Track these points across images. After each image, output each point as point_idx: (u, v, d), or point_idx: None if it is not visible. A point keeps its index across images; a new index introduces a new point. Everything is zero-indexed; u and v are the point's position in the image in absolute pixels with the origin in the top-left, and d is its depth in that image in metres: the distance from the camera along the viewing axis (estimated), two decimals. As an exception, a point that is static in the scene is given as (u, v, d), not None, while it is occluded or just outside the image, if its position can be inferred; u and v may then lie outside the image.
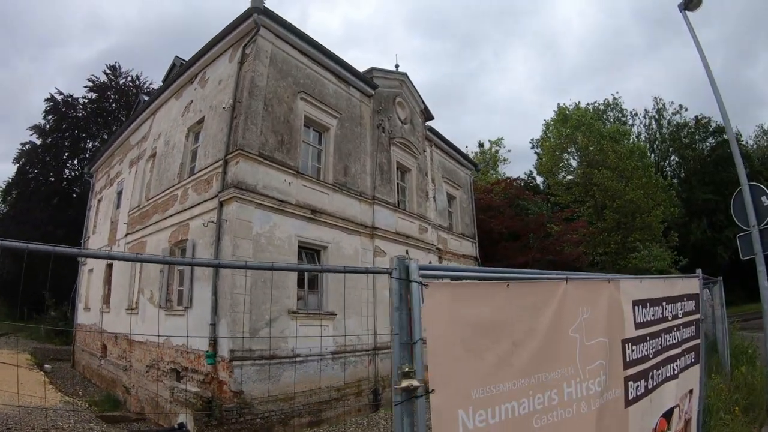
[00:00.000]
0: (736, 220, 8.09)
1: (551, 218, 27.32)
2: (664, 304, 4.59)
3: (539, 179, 40.83)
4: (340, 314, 12.28)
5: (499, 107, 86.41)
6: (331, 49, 14.15)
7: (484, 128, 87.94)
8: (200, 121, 13.54)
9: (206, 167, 12.36)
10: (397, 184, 16.63)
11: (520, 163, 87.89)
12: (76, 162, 28.38)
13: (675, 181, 39.65)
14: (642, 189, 30.19)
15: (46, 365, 19.10)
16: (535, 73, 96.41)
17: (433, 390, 2.22)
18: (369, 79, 15.73)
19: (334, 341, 12.06)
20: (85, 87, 28.87)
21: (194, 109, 14.14)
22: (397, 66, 17.97)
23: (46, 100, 27.31)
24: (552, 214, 28.23)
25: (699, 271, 5.77)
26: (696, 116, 40.56)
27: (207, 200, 11.85)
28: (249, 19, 12.23)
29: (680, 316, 4.95)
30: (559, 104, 37.86)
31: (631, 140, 35.49)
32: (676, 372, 4.69)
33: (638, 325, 3.98)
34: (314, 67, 13.77)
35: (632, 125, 41.65)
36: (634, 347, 3.85)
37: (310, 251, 12.58)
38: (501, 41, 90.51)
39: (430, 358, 2.29)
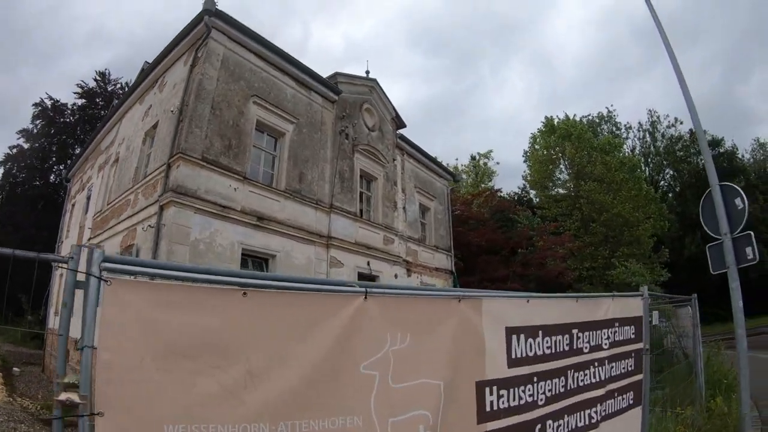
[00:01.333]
0: (705, 227, 6.95)
1: (537, 231, 26.83)
2: (574, 331, 3.73)
3: (533, 193, 40.32)
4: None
5: (497, 123, 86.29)
6: (297, 56, 14.00)
7: (481, 143, 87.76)
8: (155, 126, 13.36)
9: (153, 171, 12.17)
10: (361, 192, 16.28)
11: (516, 178, 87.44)
12: (62, 167, 28.44)
13: (670, 195, 38.92)
14: (631, 202, 29.58)
15: (14, 368, 18.94)
16: (532, 90, 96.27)
17: (100, 412, 1.78)
18: (332, 84, 15.50)
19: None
20: (75, 93, 29.00)
21: (152, 114, 13.99)
22: (367, 72, 17.71)
23: (35, 104, 27.45)
24: (538, 228, 27.74)
25: (645, 289, 5.15)
26: (690, 129, 39.74)
27: (150, 205, 11.57)
28: (201, 22, 12.09)
29: (606, 346, 4.08)
30: (546, 116, 37.32)
31: (624, 153, 34.92)
32: (595, 420, 3.81)
33: (515, 362, 3.18)
34: (271, 70, 13.54)
35: (626, 138, 41.15)
36: (504, 392, 3.03)
37: (257, 260, 12.28)
38: (498, 57, 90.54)
39: (102, 372, 1.82)
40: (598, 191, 29.57)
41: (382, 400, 2.36)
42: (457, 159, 60.89)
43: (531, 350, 3.29)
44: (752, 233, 6.23)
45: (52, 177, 28.21)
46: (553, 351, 3.50)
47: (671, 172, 40.65)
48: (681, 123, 40.22)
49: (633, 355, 4.46)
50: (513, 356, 3.17)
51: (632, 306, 4.66)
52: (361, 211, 16.20)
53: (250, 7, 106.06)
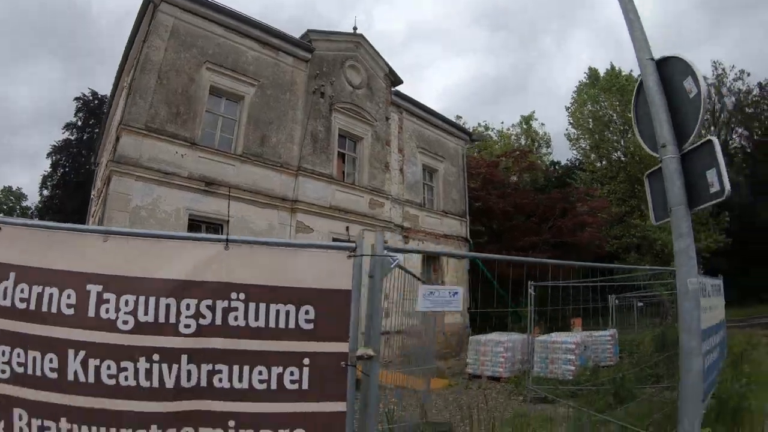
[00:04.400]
0: (641, 141, 3.80)
1: (577, 194, 24.50)
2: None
3: (575, 153, 36.89)
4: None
5: (562, 99, 79.68)
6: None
7: (548, 120, 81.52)
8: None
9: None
10: (342, 154, 15.49)
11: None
12: (102, 155, 30.42)
13: (740, 155, 34.03)
14: None
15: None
16: (597, 63, 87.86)
17: None
18: (304, 42, 14.73)
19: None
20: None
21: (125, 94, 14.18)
22: (355, 29, 16.73)
23: (76, 98, 29.16)
24: (579, 190, 25.33)
25: (363, 239, 2.68)
26: (760, 83, 34.35)
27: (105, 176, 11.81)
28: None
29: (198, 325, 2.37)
30: (590, 67, 33.59)
31: None
32: None
33: None
34: (229, 35, 13.09)
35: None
36: None
37: (211, 225, 11.96)
38: (562, 30, 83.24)
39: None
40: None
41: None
42: (502, 122, 57.37)
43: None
44: (716, 141, 3.21)
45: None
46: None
47: (740, 131, 35.44)
48: (748, 75, 34.79)
49: (313, 363, 2.46)
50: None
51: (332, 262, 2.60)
52: (344, 173, 15.40)
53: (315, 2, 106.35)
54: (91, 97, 29.71)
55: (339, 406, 2.43)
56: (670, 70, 3.50)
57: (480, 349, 12.93)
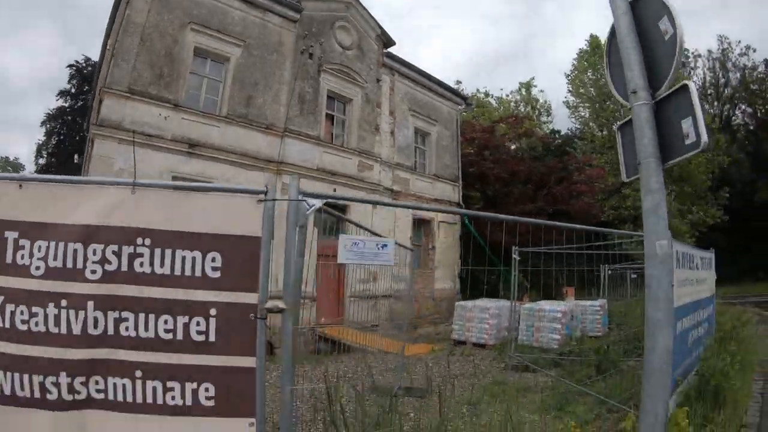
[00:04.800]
0: (613, 89, 3.41)
1: (574, 162, 24.20)
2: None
3: (574, 123, 36.18)
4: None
5: (566, 67, 77.09)
6: None
7: (548, 89, 79.08)
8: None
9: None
10: (331, 115, 15.36)
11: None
12: (96, 122, 30.18)
13: (742, 132, 33.32)
14: None
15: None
16: (602, 32, 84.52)
17: None
18: (293, 2, 14.38)
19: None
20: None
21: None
22: (344, -12, 16.29)
23: (69, 66, 28.76)
24: (577, 159, 25.00)
25: (294, 179, 2.81)
26: (766, 59, 33.07)
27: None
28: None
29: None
30: (591, 34, 32.54)
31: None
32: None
33: None
34: (214, -5, 12.82)
35: (695, 68, 35.10)
36: None
37: (196, 188, 11.95)
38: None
39: None
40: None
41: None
42: (501, 89, 56.14)
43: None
44: (692, 86, 2.80)
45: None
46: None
47: (744, 107, 34.49)
48: (755, 51, 33.57)
49: (220, 314, 2.35)
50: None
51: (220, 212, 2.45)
52: (332, 135, 15.27)
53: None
54: (84, 64, 29.32)
55: (247, 362, 2.30)
56: (645, 11, 3.13)
57: (466, 315, 12.97)
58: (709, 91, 34.57)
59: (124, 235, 2.37)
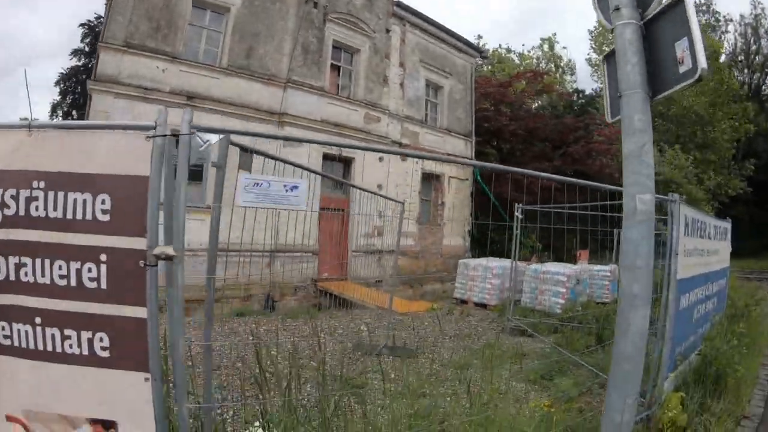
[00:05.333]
0: (597, 8, 2.78)
1: (592, 120, 23.21)
2: None
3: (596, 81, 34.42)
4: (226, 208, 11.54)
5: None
6: None
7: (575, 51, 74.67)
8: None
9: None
10: (337, 66, 14.89)
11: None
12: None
13: None
14: (707, 96, 23.85)
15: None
16: None
17: None
18: (296, -51, 13.76)
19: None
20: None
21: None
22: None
23: (81, 24, 28.43)
24: (594, 118, 23.96)
25: (186, 113, 2.30)
26: None
27: (91, 97, 11.74)
28: None
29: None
30: None
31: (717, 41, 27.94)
32: None
33: None
34: (212, -58, 12.36)
35: (726, 32, 32.64)
36: None
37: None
38: None
39: None
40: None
41: None
42: (523, 44, 53.68)
43: None
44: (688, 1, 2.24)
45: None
46: None
47: None
48: None
49: (111, 260, 2.17)
50: None
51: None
52: (338, 87, 14.88)
53: None
54: (95, 22, 28.95)
55: (139, 312, 2.15)
56: None
57: (468, 274, 12.70)
58: (739, 58, 32.48)
59: (22, 178, 2.21)
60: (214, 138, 2.43)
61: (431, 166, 17.00)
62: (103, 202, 2.17)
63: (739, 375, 4.92)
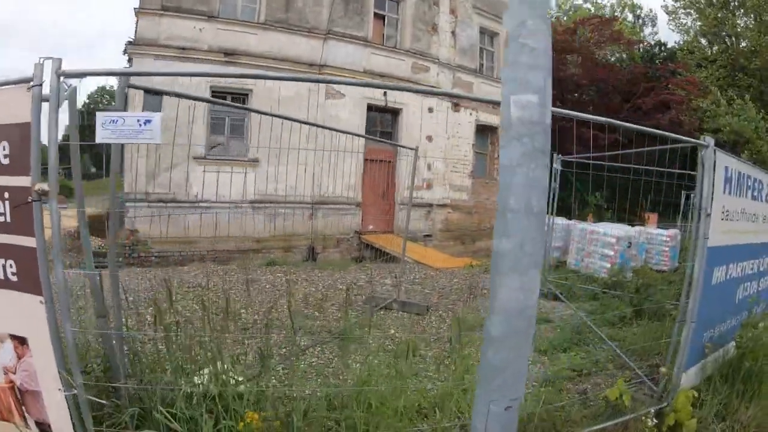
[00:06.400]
0: None
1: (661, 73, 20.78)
2: None
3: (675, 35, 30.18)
4: (266, 161, 11.56)
5: None
6: None
7: None
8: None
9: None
10: (379, 15, 14.26)
11: None
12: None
13: None
14: None
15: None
16: None
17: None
18: None
19: (256, 190, 11.65)
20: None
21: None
22: None
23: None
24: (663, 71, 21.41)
25: (54, 61, 2.44)
26: None
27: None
28: None
29: None
30: None
31: None
32: None
33: None
34: None
35: None
36: None
37: (237, 96, 11.98)
38: None
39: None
40: (754, 30, 20.80)
41: None
42: None
43: None
44: None
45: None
46: None
47: None
48: None
49: (12, 197, 2.55)
50: None
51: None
52: (383, 36, 14.31)
53: None
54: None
55: (31, 242, 2.45)
56: None
57: None
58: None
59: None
60: (76, 82, 2.59)
61: (487, 118, 16.07)
62: (4, 148, 2.53)
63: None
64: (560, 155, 8.39)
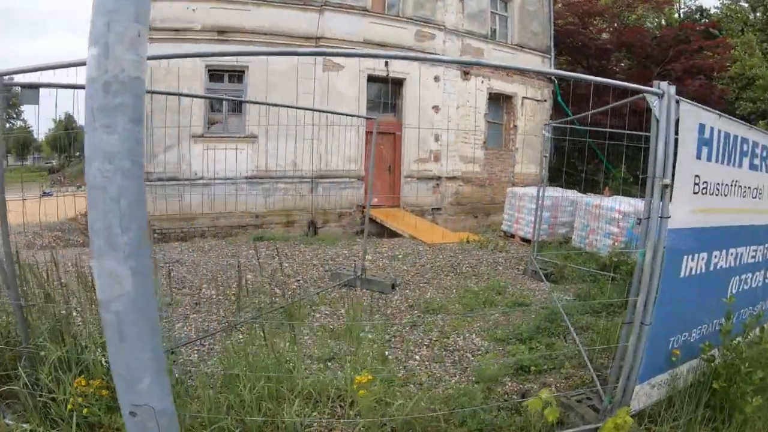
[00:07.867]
0: None
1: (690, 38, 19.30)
2: None
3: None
4: (264, 136, 11.48)
5: None
6: None
7: None
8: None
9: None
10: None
11: None
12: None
13: None
14: None
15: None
16: None
17: None
18: None
19: (254, 166, 11.61)
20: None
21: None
22: None
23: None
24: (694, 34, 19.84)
25: None
26: None
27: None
28: None
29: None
30: None
31: None
32: None
33: None
34: None
35: None
36: None
37: (233, 74, 11.96)
38: None
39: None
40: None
41: None
42: None
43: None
44: None
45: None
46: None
47: None
48: None
49: None
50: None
51: None
52: (384, 4, 13.83)
53: None
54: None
55: None
56: None
57: (515, 204, 11.08)
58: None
59: None
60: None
61: (500, 86, 15.43)
62: None
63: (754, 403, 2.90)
64: (550, 121, 7.93)
